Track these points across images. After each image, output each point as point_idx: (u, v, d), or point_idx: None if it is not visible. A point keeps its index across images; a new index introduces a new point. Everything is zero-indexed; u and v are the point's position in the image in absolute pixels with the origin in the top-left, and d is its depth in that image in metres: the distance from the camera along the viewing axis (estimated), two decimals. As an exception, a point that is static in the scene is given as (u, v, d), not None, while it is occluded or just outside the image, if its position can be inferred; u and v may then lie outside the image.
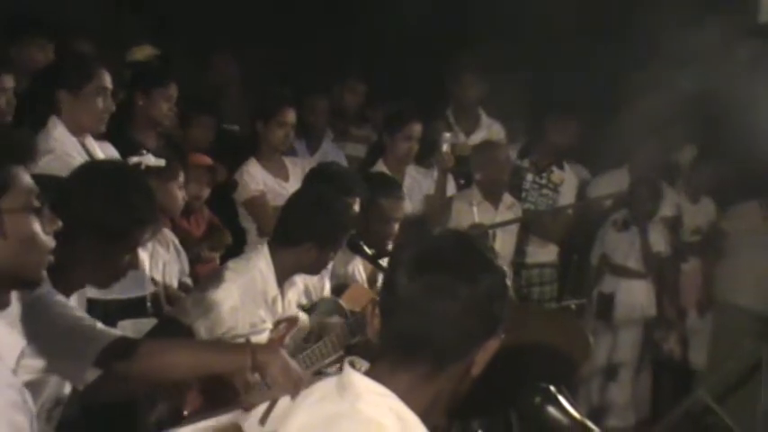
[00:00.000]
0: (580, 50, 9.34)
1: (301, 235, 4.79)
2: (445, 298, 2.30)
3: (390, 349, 2.35)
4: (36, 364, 3.23)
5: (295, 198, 5.19)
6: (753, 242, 7.93)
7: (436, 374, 2.32)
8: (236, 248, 6.60)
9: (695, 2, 9.26)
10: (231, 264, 5.06)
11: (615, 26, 9.40)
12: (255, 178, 6.86)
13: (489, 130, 8.55)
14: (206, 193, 6.49)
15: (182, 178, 5.95)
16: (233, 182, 6.90)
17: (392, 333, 2.36)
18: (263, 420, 3.40)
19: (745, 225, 8.05)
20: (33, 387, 3.10)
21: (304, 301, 5.27)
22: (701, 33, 8.61)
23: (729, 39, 8.99)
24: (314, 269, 5.03)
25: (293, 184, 6.49)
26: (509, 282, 2.44)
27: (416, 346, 2.32)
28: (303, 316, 5.03)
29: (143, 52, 8.01)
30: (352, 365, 2.37)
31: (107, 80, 5.36)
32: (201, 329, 4.64)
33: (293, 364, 3.42)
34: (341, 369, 2.40)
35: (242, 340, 4.37)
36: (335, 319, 5.11)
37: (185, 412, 4.19)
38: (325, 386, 2.40)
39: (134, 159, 5.33)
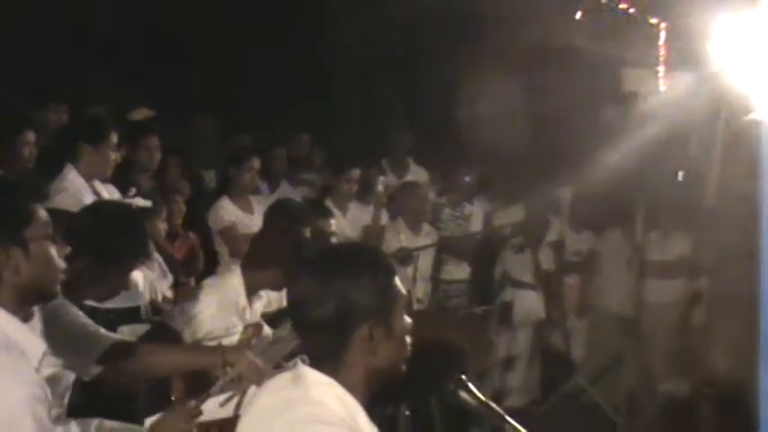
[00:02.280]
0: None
1: (268, 261, 4.80)
2: (318, 304, 2.27)
3: None
4: (56, 360, 3.22)
5: (263, 231, 5.21)
6: (617, 261, 8.01)
7: (342, 366, 2.30)
8: (211, 266, 6.66)
9: (574, 72, 9.42)
10: (210, 281, 5.07)
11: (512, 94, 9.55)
12: (228, 212, 6.88)
13: (416, 174, 8.67)
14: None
15: (164, 214, 6.02)
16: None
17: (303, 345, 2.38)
18: (237, 408, 3.38)
19: (611, 247, 8.13)
20: (55, 379, 3.08)
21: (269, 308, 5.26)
22: (575, 98, 8.76)
23: (599, 103, 9.14)
24: (277, 287, 5.03)
25: (257, 217, 6.52)
26: (390, 274, 2.38)
27: (313, 358, 2.32)
28: (267, 329, 5.02)
29: (141, 114, 8.04)
30: (304, 361, 2.37)
31: (116, 138, 5.53)
32: (187, 333, 4.64)
33: (257, 360, 3.41)
34: (295, 364, 2.39)
35: (217, 342, 4.36)
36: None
37: (173, 398, 4.16)
38: (282, 378, 2.39)
39: (126, 201, 5.36)
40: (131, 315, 4.82)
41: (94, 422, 3.55)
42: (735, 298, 4.96)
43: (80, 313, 3.50)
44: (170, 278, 5.99)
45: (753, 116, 5.29)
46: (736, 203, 5.31)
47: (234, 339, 4.51)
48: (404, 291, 2.42)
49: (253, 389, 3.33)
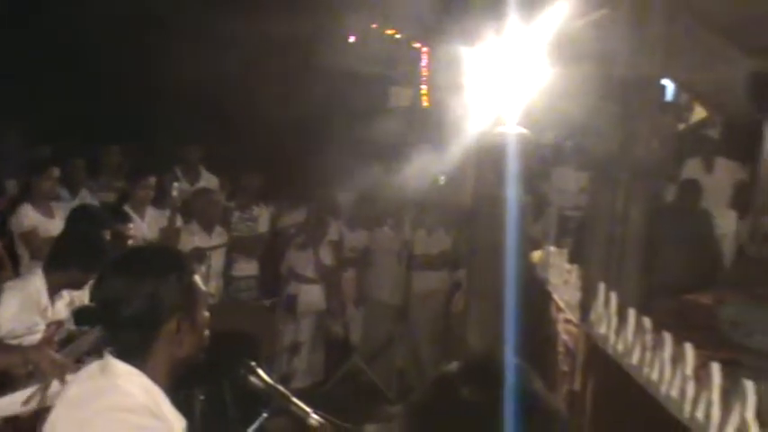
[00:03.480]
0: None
1: (69, 262, 4.62)
2: (127, 302, 2.22)
3: None
4: None
5: (64, 234, 5.02)
6: (388, 255, 8.18)
7: (148, 357, 2.25)
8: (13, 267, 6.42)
9: (348, 89, 9.56)
10: (11, 283, 4.84)
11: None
12: (29, 217, 6.67)
13: (208, 181, 8.61)
14: None
15: None
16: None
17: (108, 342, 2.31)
18: (40, 403, 3.24)
19: (383, 244, 8.30)
20: None
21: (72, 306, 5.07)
22: (350, 112, 8.89)
23: (371, 116, 9.33)
24: (78, 286, 4.85)
25: (58, 222, 6.31)
26: (192, 273, 2.35)
27: (120, 351, 2.26)
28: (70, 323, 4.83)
29: None
30: (111, 353, 2.30)
31: None
32: (-13, 333, 4.40)
33: (58, 356, 3.27)
34: (102, 356, 2.31)
35: (19, 341, 4.16)
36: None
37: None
38: (90, 369, 2.32)
39: None
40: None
41: None
42: (487, 287, 5.17)
43: None
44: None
45: (501, 129, 5.54)
46: (488, 205, 5.55)
47: (36, 338, 4.32)
48: (203, 287, 2.41)
49: (55, 384, 3.19)
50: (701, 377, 2.86)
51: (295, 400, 2.91)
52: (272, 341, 7.64)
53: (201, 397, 5.11)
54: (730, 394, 2.62)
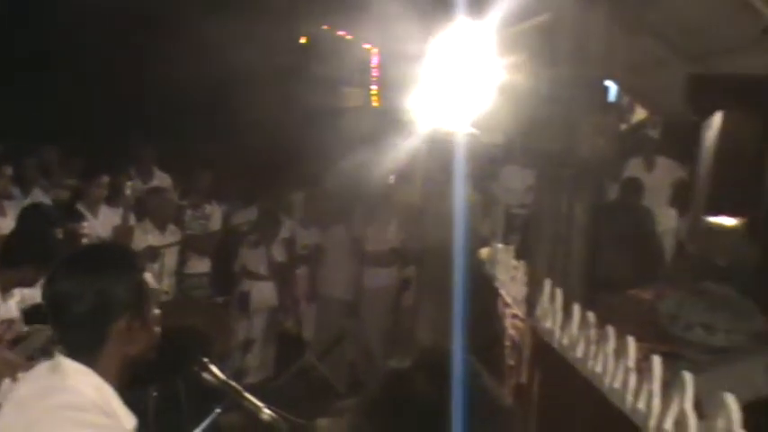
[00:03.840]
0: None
1: (20, 260, 4.55)
2: (77, 300, 2.18)
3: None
4: None
5: (15, 232, 4.93)
6: (340, 252, 8.17)
7: (99, 356, 2.22)
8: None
9: (300, 89, 9.52)
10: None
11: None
12: (-20, 215, 6.53)
13: (161, 180, 8.55)
14: None
15: None
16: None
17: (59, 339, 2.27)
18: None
19: (335, 241, 8.28)
20: None
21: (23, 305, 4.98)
22: (302, 112, 8.87)
23: (322, 117, 9.32)
24: (30, 284, 4.77)
25: (9, 220, 6.21)
26: (143, 271, 2.30)
27: (71, 349, 2.23)
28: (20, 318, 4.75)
29: None
30: (61, 352, 2.27)
31: None
32: (-61, 332, 4.30)
33: (9, 354, 3.22)
34: (53, 355, 2.28)
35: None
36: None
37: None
38: (41, 368, 2.28)
39: None
40: None
41: None
42: (436, 283, 5.19)
43: None
44: None
45: (450, 129, 5.57)
46: (437, 203, 5.58)
47: (-12, 335, 4.24)
48: (155, 285, 2.38)
49: (7, 382, 3.15)
50: (643, 369, 2.90)
51: (248, 395, 2.89)
52: (225, 338, 7.59)
53: (155, 394, 5.05)
54: (670, 386, 2.66)
